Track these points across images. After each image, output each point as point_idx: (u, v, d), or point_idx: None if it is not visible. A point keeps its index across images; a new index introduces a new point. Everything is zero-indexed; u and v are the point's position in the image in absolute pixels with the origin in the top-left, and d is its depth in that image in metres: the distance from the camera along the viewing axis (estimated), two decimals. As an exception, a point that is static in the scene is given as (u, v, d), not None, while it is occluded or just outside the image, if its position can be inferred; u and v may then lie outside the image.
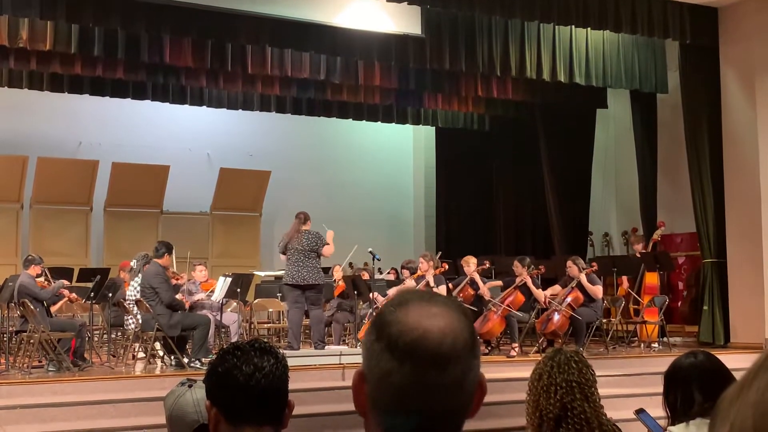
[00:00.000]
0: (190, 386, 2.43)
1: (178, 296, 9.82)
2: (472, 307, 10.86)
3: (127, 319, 10.39)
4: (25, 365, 8.97)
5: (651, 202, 13.64)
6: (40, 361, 9.40)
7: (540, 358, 3.58)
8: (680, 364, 3.24)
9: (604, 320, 11.12)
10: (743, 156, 11.12)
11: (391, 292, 10.59)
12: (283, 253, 9.78)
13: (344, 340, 11.69)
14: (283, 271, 10.10)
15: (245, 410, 1.91)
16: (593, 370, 3.50)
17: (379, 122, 15.47)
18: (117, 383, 8.22)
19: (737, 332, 11.08)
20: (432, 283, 10.33)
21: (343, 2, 10.59)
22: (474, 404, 1.26)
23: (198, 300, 10.37)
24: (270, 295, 12.26)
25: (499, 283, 11.13)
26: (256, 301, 12.21)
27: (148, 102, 13.85)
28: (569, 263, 10.72)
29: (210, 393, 1.97)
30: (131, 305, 10.07)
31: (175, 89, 13.51)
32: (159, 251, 9.43)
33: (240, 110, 14.60)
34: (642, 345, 11.28)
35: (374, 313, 10.66)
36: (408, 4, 10.17)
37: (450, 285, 11.06)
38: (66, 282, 9.84)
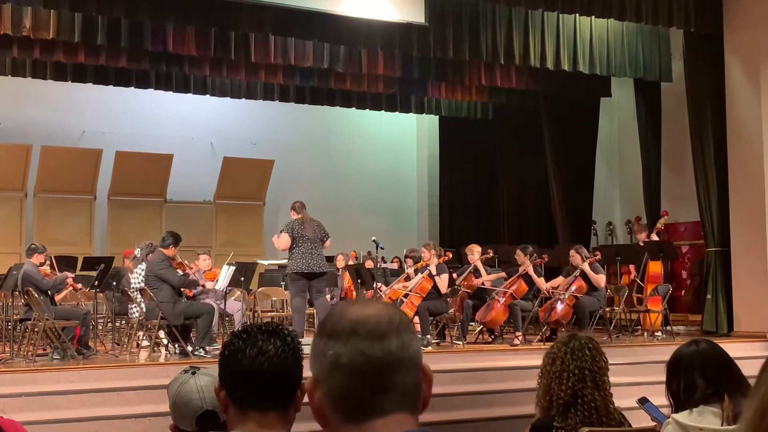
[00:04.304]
0: (193, 373, 2.44)
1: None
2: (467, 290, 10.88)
3: (131, 308, 10.42)
4: (29, 353, 9.00)
5: (655, 190, 13.63)
6: (44, 350, 9.42)
7: (554, 342, 3.61)
8: (682, 353, 3.26)
9: (608, 309, 11.12)
10: (747, 144, 11.09)
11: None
12: (292, 240, 9.63)
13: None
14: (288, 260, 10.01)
15: (249, 394, 1.89)
16: (606, 358, 3.53)
17: (383, 111, 15.46)
18: (121, 371, 8.23)
19: (741, 321, 11.08)
20: (434, 272, 10.34)
21: (346, -10, 10.57)
22: (425, 393, 1.36)
23: (203, 289, 10.38)
24: (274, 284, 12.27)
25: (502, 274, 11.13)
26: (259, 289, 12.23)
27: (151, 91, 13.84)
28: (572, 252, 10.71)
29: (219, 376, 1.97)
30: (135, 294, 10.09)
31: (178, 78, 13.50)
32: (165, 241, 9.41)
33: (243, 99, 14.58)
34: (645, 334, 11.29)
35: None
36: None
37: (454, 275, 11.06)
38: (70, 274, 9.85)
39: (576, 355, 3.43)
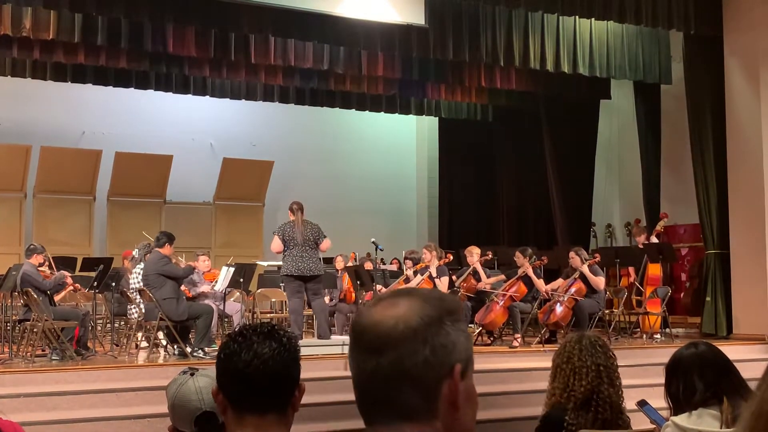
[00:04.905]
0: (192, 375, 2.44)
1: (182, 288, 9.81)
2: (470, 293, 10.87)
3: (130, 309, 10.41)
4: (28, 354, 8.99)
5: (654, 193, 13.63)
6: (43, 350, 9.42)
7: (565, 342, 3.63)
8: (681, 355, 3.26)
9: (607, 311, 11.11)
10: (747, 147, 11.09)
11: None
12: (283, 243, 9.65)
13: (347, 331, 11.70)
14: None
15: (246, 397, 1.88)
16: (614, 353, 3.58)
17: (382, 112, 15.46)
18: (120, 372, 8.23)
19: (740, 323, 11.08)
20: (434, 274, 10.32)
21: (346, -8, 10.57)
22: (447, 397, 1.29)
23: (202, 292, 10.39)
24: (273, 285, 12.27)
25: (502, 276, 11.12)
26: (258, 290, 12.23)
27: (151, 91, 13.84)
28: (572, 254, 10.71)
29: (217, 378, 1.96)
30: (134, 294, 10.09)
31: (178, 79, 13.49)
32: (160, 240, 9.44)
33: (243, 100, 14.58)
34: (644, 336, 11.28)
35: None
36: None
37: (453, 276, 11.05)
38: (67, 273, 9.85)
39: (590, 351, 3.49)
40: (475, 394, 1.34)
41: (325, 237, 9.77)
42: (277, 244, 9.68)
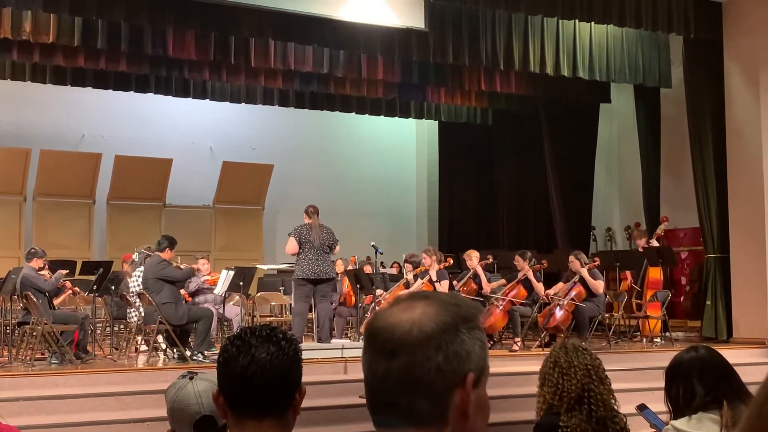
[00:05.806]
0: (191, 378, 2.44)
1: (181, 291, 9.80)
2: (477, 299, 10.86)
3: (130, 312, 10.41)
4: (27, 357, 8.98)
5: (654, 196, 13.62)
6: (42, 354, 9.41)
7: (550, 350, 3.67)
8: (681, 359, 3.26)
9: (607, 315, 11.11)
10: (747, 151, 11.10)
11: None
12: (299, 245, 9.63)
13: (347, 334, 11.70)
14: (288, 265, 10.00)
15: (244, 401, 1.86)
16: (597, 357, 3.63)
17: (382, 116, 15.45)
18: (119, 376, 8.23)
19: (740, 327, 11.07)
20: (434, 278, 10.31)
21: (346, -5, 10.57)
22: (456, 407, 1.25)
23: (199, 288, 10.37)
24: (273, 289, 12.27)
25: (503, 281, 11.11)
26: (258, 294, 12.22)
27: (151, 95, 13.84)
28: (571, 258, 10.70)
29: (218, 382, 1.95)
30: (134, 298, 10.08)
31: (178, 82, 13.49)
32: (161, 245, 9.42)
33: (243, 103, 14.58)
34: (644, 340, 11.28)
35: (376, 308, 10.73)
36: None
37: (454, 281, 11.03)
38: (64, 271, 9.82)
39: (576, 353, 3.52)
40: (487, 404, 1.31)
41: (337, 241, 9.81)
42: (292, 245, 9.65)
